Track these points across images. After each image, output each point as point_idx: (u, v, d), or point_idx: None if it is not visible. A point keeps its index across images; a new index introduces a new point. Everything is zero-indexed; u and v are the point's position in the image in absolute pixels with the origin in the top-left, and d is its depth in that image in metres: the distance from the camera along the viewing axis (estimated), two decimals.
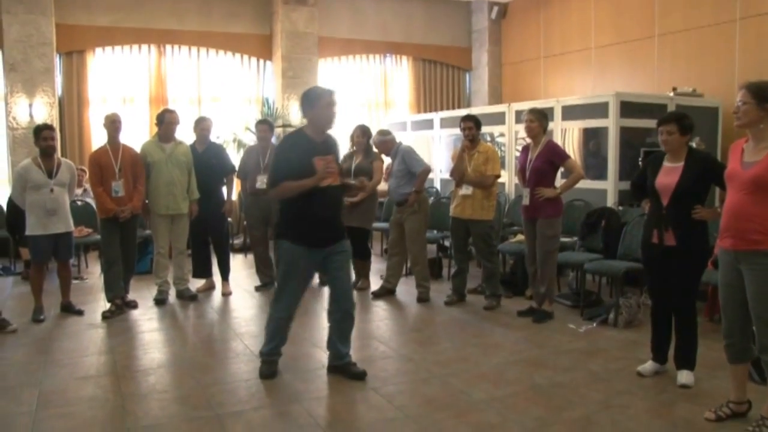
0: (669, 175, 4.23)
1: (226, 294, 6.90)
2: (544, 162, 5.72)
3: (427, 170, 6.72)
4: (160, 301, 6.50)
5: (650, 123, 4.66)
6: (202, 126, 6.88)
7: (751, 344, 3.63)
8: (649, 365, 4.47)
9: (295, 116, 10.76)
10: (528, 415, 3.80)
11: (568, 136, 8.14)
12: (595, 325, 5.65)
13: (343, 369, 4.44)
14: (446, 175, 7.47)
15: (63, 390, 4.24)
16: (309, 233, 4.22)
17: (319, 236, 4.25)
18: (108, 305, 6.12)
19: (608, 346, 5.10)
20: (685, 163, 4.20)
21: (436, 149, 10.36)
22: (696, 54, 8.80)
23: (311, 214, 4.19)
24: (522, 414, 3.83)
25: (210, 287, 7.07)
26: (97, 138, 9.67)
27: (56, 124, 9.34)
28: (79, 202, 8.00)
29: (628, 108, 7.54)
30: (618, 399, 4.04)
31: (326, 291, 4.67)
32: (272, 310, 4.49)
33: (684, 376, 4.26)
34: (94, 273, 7.89)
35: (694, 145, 6.90)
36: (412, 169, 6.54)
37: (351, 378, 4.35)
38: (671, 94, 8.15)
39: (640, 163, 7.23)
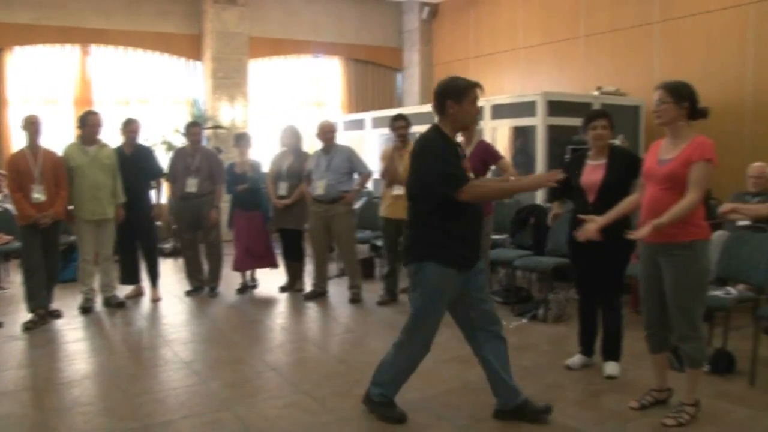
0: (593, 172, 4.34)
1: (155, 300, 6.74)
2: (477, 161, 5.77)
3: (370, 173, 6.82)
4: (86, 309, 6.30)
5: (576, 121, 4.77)
6: (129, 128, 6.69)
7: (670, 334, 3.76)
8: (577, 358, 4.59)
9: (226, 117, 10.61)
10: (462, 413, 3.84)
11: (497, 134, 8.26)
12: (525, 320, 5.76)
13: (522, 410, 3.71)
14: (377, 175, 7.47)
15: None
16: (461, 254, 3.53)
17: (470, 256, 3.58)
18: (30, 316, 5.87)
19: (538, 341, 5.20)
20: (608, 160, 4.32)
21: (368, 149, 10.37)
22: (619, 54, 9.06)
23: (460, 233, 3.51)
24: (456, 411, 3.86)
25: (138, 293, 6.90)
26: (17, 140, 9.31)
27: None
28: None
29: (555, 107, 7.71)
30: (548, 393, 4.11)
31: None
32: (412, 347, 3.72)
33: (610, 368, 4.39)
34: (14, 282, 7.58)
35: (618, 142, 7.15)
36: (358, 170, 6.57)
37: (536, 419, 3.69)
38: (596, 93, 8.38)
39: (566, 159, 7.39)
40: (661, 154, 3.65)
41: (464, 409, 3.90)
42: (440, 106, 3.55)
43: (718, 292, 4.54)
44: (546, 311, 5.76)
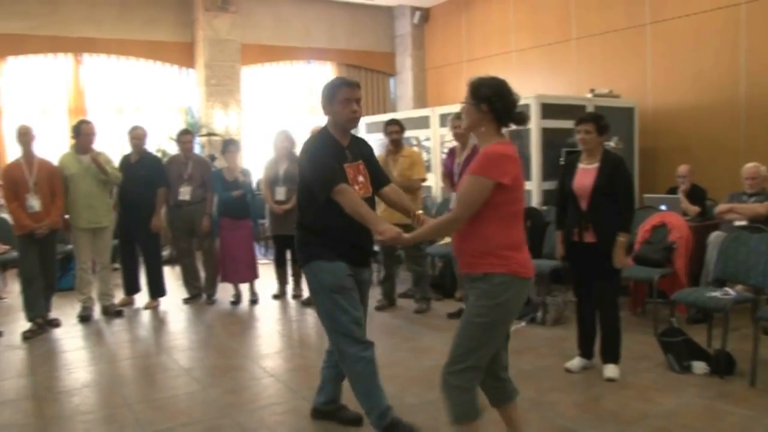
0: (585, 176, 4.37)
1: (149, 308, 6.74)
2: None
3: None
4: (85, 317, 6.30)
5: (570, 124, 4.79)
6: (132, 135, 6.69)
7: (505, 378, 3.18)
8: (576, 361, 4.60)
9: (220, 124, 10.60)
10: None
11: None
12: (524, 324, 5.77)
13: (333, 413, 3.81)
14: None
15: None
16: (347, 251, 3.40)
17: (352, 254, 3.44)
18: (29, 325, 5.87)
19: (537, 344, 5.21)
20: (600, 164, 4.35)
21: None
22: (612, 56, 9.10)
23: (337, 233, 3.37)
24: None
25: (129, 303, 6.90)
26: (12, 150, 9.25)
27: None
28: None
29: (549, 109, 7.73)
30: (548, 396, 4.13)
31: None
32: (347, 351, 3.44)
33: (610, 370, 4.39)
34: (13, 292, 7.56)
35: (612, 144, 7.19)
36: None
37: (348, 423, 3.74)
38: (589, 95, 8.40)
39: (561, 162, 7.42)
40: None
41: None
42: (322, 108, 3.52)
43: (717, 293, 4.56)
44: (544, 314, 5.77)
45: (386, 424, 3.47)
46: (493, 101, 2.87)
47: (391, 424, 3.48)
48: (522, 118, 2.96)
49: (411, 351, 5.15)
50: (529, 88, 9.61)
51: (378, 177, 3.65)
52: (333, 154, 3.40)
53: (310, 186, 3.40)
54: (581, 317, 4.62)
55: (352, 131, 3.59)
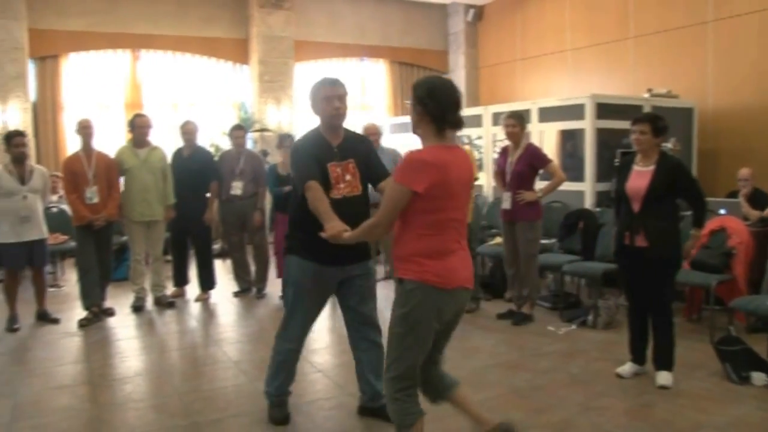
0: (639, 179, 4.26)
1: (199, 300, 6.85)
2: (524, 165, 5.72)
3: None
4: (138, 308, 6.44)
5: (626, 124, 4.67)
6: (184, 129, 6.81)
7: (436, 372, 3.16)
8: (628, 366, 4.49)
9: (272, 120, 10.70)
10: (508, 419, 3.79)
11: (545, 137, 8.18)
12: (574, 326, 5.67)
13: (376, 411, 3.80)
14: None
15: (38, 400, 4.18)
16: (320, 248, 3.35)
17: (333, 253, 3.39)
18: (84, 313, 6.04)
19: (587, 348, 5.11)
20: (656, 166, 4.23)
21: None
22: (671, 55, 8.89)
23: (315, 230, 3.27)
24: (502, 417, 3.81)
25: (180, 294, 7.01)
26: (72, 144, 9.52)
27: (30, 130, 9.21)
28: (54, 209, 7.89)
29: (604, 109, 7.59)
30: (597, 401, 4.05)
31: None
32: (278, 339, 3.75)
33: (663, 377, 4.28)
34: (70, 280, 7.78)
35: (669, 146, 7.02)
36: None
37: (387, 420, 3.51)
38: (646, 95, 8.23)
39: (616, 163, 7.28)
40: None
41: (510, 415, 3.84)
42: (311, 108, 3.62)
43: None
44: (595, 317, 5.66)
45: (275, 401, 3.80)
46: (425, 103, 2.78)
47: (279, 399, 3.81)
48: (457, 122, 2.81)
49: (458, 350, 5.10)
50: (584, 88, 9.48)
51: (376, 173, 3.64)
52: (317, 152, 3.48)
53: (294, 182, 3.56)
54: (633, 322, 4.51)
55: (358, 129, 3.66)
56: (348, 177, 3.53)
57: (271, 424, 3.77)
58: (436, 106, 2.77)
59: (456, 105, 2.81)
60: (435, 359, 3.11)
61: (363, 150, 3.65)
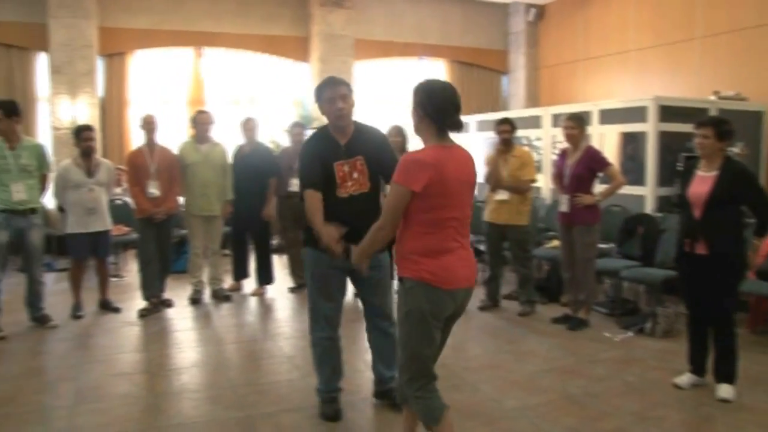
0: (701, 184, 4.14)
1: (255, 295, 6.95)
2: (583, 168, 5.63)
3: None
4: (195, 300, 6.58)
5: (690, 127, 4.54)
6: (245, 126, 6.93)
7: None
8: (686, 377, 4.38)
9: None
10: (561, 425, 3.74)
11: (605, 140, 8.02)
12: (631, 334, 5.55)
13: (384, 394, 4.02)
14: (480, 179, 7.39)
15: (99, 386, 4.33)
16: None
17: (345, 245, 3.53)
18: (144, 303, 6.21)
19: (645, 356, 5.00)
20: (719, 172, 4.10)
21: (471, 153, 10.25)
22: (740, 56, 8.60)
23: (330, 219, 3.54)
24: (555, 423, 3.77)
25: (237, 288, 7.13)
26: (137, 138, 9.81)
27: (97, 125, 9.51)
28: (117, 201, 8.12)
29: (668, 112, 7.40)
30: (654, 411, 3.95)
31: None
32: (311, 332, 3.88)
33: (723, 390, 4.14)
34: (131, 271, 8.00)
35: (736, 150, 6.80)
36: None
37: (391, 407, 3.90)
38: (713, 97, 7.99)
39: (678, 167, 7.10)
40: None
41: (563, 421, 3.79)
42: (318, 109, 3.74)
43: None
44: (654, 325, 5.52)
45: (325, 397, 3.86)
46: (425, 105, 2.85)
47: (329, 396, 3.86)
48: (454, 125, 2.87)
49: (513, 354, 5.06)
50: (647, 90, 9.27)
51: (389, 167, 3.50)
52: (323, 152, 3.62)
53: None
54: (693, 331, 4.39)
55: (369, 123, 3.83)
56: (355, 175, 3.65)
57: (323, 420, 3.80)
58: (435, 109, 2.84)
59: (455, 108, 2.87)
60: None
61: (374, 145, 3.73)
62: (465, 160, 2.95)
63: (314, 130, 3.91)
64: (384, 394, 4.00)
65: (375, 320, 3.91)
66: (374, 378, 4.06)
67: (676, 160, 7.30)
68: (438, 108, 2.84)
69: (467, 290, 2.99)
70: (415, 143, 3.35)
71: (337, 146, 3.66)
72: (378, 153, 3.69)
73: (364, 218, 3.25)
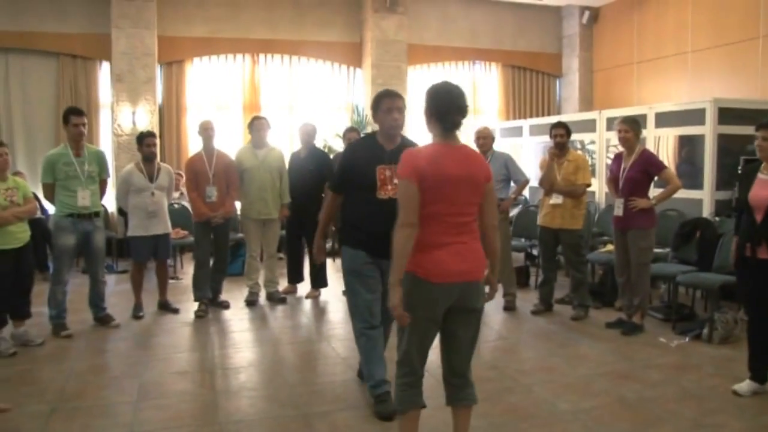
0: (764, 188, 4.07)
1: (313, 297, 7.05)
2: (638, 172, 5.57)
3: (528, 181, 6.68)
4: (251, 302, 6.72)
5: (751, 130, 4.46)
6: (302, 131, 7.05)
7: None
8: (746, 384, 4.27)
9: None
10: (614, 429, 3.72)
11: (661, 143, 7.90)
12: (687, 339, 5.45)
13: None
14: (534, 183, 7.37)
15: (160, 383, 4.48)
16: (366, 241, 3.89)
17: (375, 246, 3.81)
18: (196, 304, 6.39)
19: (702, 362, 4.91)
20: None
21: (524, 157, 10.24)
22: None
23: (362, 226, 3.91)
24: (608, 427, 3.75)
25: (292, 291, 7.23)
26: (194, 144, 10.08)
27: (156, 131, 9.76)
28: (175, 205, 8.36)
29: (727, 114, 7.25)
30: (711, 418, 3.89)
31: None
32: (353, 326, 4.12)
33: None
34: (188, 273, 8.21)
35: None
36: (516, 178, 6.45)
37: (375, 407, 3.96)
38: None
39: (739, 170, 6.94)
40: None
41: (617, 426, 3.77)
42: (372, 116, 4.09)
43: None
44: (711, 331, 5.42)
45: (378, 392, 3.95)
46: (429, 107, 3.04)
47: (382, 394, 3.94)
48: (450, 123, 2.99)
49: (566, 357, 5.04)
50: (705, 92, 9.07)
51: None
52: (368, 156, 3.93)
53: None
54: (754, 337, 4.29)
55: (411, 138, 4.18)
56: (396, 180, 3.78)
57: (378, 420, 3.86)
58: (436, 109, 3.00)
59: (457, 108, 2.99)
60: (452, 365, 3.19)
61: None
62: (468, 158, 3.04)
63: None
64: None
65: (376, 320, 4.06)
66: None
67: (736, 163, 7.15)
68: (440, 109, 2.99)
69: (465, 285, 3.01)
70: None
71: (383, 151, 3.93)
72: None
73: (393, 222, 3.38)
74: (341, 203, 4.11)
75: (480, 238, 3.07)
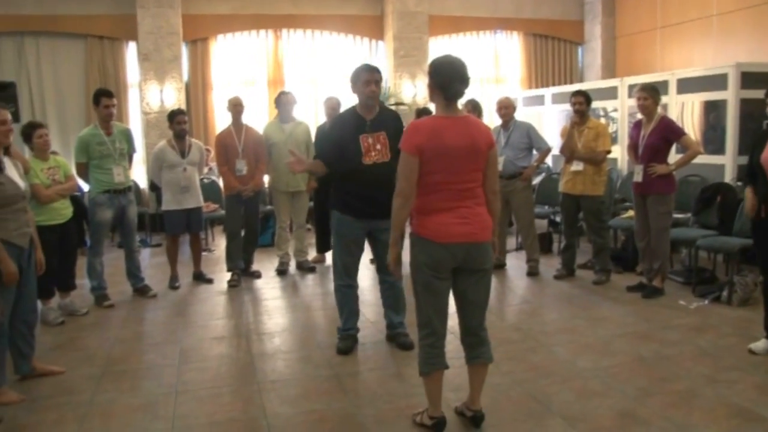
0: None
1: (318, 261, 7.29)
2: (658, 138, 5.66)
3: (550, 149, 6.82)
4: (282, 271, 6.96)
5: None
6: (328, 104, 7.19)
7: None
8: (762, 343, 4.40)
9: (408, 94, 10.98)
10: (631, 385, 3.89)
11: (686, 110, 7.93)
12: (707, 302, 5.58)
13: (393, 338, 4.68)
14: (556, 151, 7.46)
15: (199, 348, 4.74)
16: (353, 205, 4.35)
17: (362, 209, 4.32)
18: (230, 274, 6.63)
19: (719, 323, 5.05)
20: None
21: (547, 125, 10.30)
22: None
23: (352, 190, 4.35)
24: (625, 383, 3.92)
25: (321, 260, 7.44)
26: (221, 120, 10.28)
27: (183, 108, 9.98)
28: (205, 180, 8.58)
29: (751, 79, 7.24)
30: (725, 374, 4.04)
31: None
32: (334, 281, 4.65)
33: None
34: (220, 245, 8.47)
35: None
36: (538, 146, 6.62)
37: (399, 347, 4.55)
38: None
39: None
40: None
41: (634, 382, 3.94)
42: (351, 88, 4.43)
43: None
44: (730, 294, 5.53)
45: (343, 334, 4.60)
46: (433, 77, 3.17)
47: (344, 336, 4.58)
48: (450, 94, 3.13)
49: (587, 320, 5.20)
50: (730, 56, 9.01)
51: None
52: (350, 127, 4.34)
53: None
54: None
55: (394, 107, 4.33)
56: (378, 146, 4.32)
57: (337, 354, 4.48)
58: (440, 80, 3.13)
59: (459, 79, 3.13)
60: (465, 324, 3.37)
61: (394, 126, 4.39)
62: (470, 128, 3.18)
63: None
64: (393, 337, 4.69)
65: (383, 274, 4.56)
66: (386, 323, 4.76)
67: (759, 127, 7.16)
68: (442, 81, 3.12)
69: (469, 245, 3.18)
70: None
71: (363, 122, 4.35)
72: (398, 133, 4.00)
73: (384, 182, 4.04)
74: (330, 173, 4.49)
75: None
